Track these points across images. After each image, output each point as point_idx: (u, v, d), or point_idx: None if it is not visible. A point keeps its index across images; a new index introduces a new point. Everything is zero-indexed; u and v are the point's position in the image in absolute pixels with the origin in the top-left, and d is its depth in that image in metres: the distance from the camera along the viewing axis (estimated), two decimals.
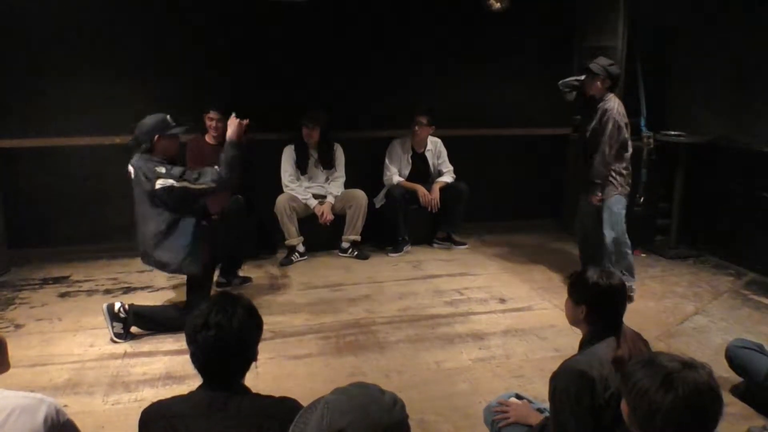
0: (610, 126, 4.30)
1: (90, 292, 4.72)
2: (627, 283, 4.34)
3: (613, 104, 4.36)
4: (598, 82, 4.39)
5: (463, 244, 5.85)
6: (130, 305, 3.93)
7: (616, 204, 4.45)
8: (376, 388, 1.30)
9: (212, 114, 5.08)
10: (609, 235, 4.46)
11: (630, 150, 4.45)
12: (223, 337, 1.73)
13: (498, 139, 6.30)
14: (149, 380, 3.42)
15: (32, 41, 5.15)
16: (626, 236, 4.49)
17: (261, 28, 5.53)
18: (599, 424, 2.03)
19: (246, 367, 1.82)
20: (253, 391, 1.84)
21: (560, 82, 4.67)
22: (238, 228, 5.08)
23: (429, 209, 5.63)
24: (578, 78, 4.56)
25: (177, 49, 5.39)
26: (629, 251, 4.53)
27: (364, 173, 5.78)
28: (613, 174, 4.42)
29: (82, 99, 5.33)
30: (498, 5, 5.70)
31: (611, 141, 4.32)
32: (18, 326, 4.12)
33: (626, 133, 4.39)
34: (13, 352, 1.96)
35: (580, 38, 6.10)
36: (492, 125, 6.23)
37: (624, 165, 4.44)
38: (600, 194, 4.46)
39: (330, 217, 5.39)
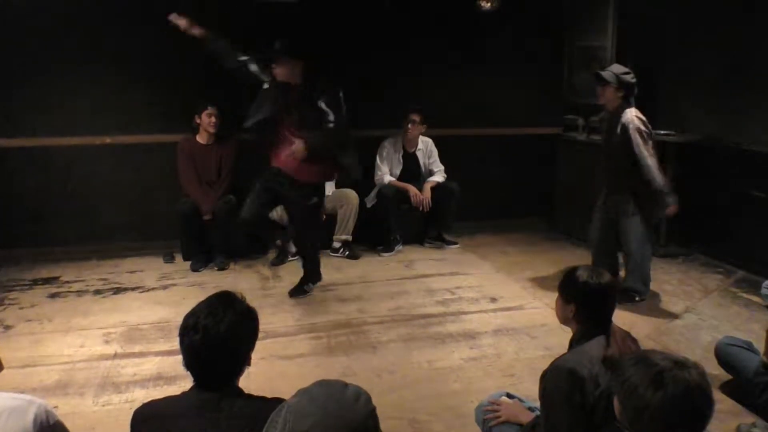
0: (637, 137, 4.09)
1: (80, 293, 4.69)
2: (637, 295, 4.42)
3: (630, 116, 4.14)
4: (610, 92, 4.16)
5: (455, 243, 5.86)
6: None
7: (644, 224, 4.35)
8: (339, 384, 1.28)
9: (210, 109, 5.10)
10: (633, 247, 4.40)
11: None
12: (209, 342, 1.71)
13: (489, 139, 6.31)
14: (140, 381, 3.40)
15: (21, 41, 5.12)
16: (649, 249, 4.46)
17: (254, 29, 5.51)
18: (590, 423, 2.04)
19: (237, 371, 1.80)
20: (245, 391, 1.83)
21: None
22: (230, 228, 5.10)
23: (420, 209, 5.63)
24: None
25: (168, 50, 5.36)
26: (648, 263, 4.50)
27: None
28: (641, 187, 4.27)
29: (72, 99, 5.30)
30: (488, 5, 5.72)
31: (648, 149, 4.12)
32: (7, 327, 4.09)
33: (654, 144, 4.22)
34: (3, 353, 1.95)
35: (570, 38, 6.13)
36: (483, 125, 6.24)
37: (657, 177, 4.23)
38: (674, 204, 4.26)
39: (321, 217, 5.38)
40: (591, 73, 4.39)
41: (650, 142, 4.17)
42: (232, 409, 1.71)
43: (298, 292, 4.58)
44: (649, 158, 4.13)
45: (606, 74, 4.18)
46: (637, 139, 4.11)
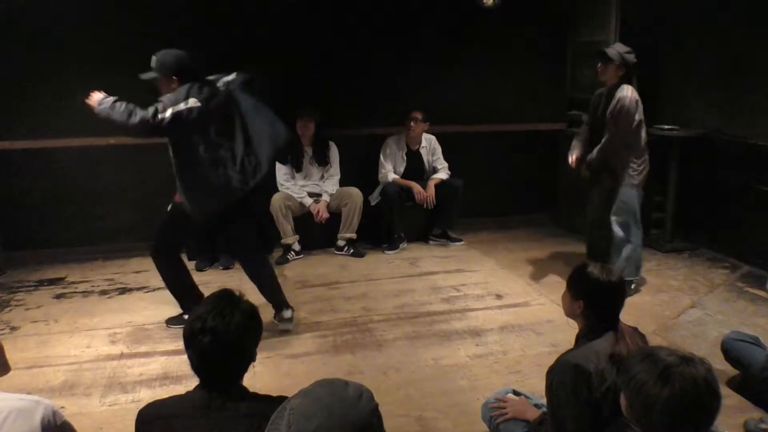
0: (623, 114, 4.19)
1: (86, 294, 4.71)
2: (627, 278, 4.34)
3: (627, 93, 4.22)
4: (612, 69, 4.25)
5: (459, 240, 5.85)
6: None
7: (624, 195, 4.37)
8: (340, 383, 1.27)
9: None
10: (614, 222, 4.43)
11: (642, 142, 4.33)
12: (220, 343, 1.71)
13: (492, 135, 6.30)
14: (146, 381, 3.41)
15: (23, 41, 5.12)
16: (633, 228, 4.41)
17: (256, 27, 5.52)
18: (597, 418, 2.04)
19: (244, 369, 1.81)
20: (251, 390, 1.83)
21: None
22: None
23: (424, 206, 5.63)
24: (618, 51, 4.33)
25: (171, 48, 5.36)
26: (634, 244, 4.45)
27: (359, 171, 5.77)
28: (623, 165, 4.33)
29: (76, 100, 5.28)
30: (490, 1, 5.70)
31: (619, 128, 4.22)
32: (14, 328, 4.11)
33: (639, 123, 4.27)
34: (9, 354, 1.95)
35: (572, 33, 6.12)
36: (486, 121, 6.23)
37: (634, 156, 4.33)
38: (592, 174, 4.42)
39: (325, 215, 5.38)
40: (596, 52, 4.43)
41: (635, 125, 4.24)
42: (238, 409, 1.71)
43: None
44: (614, 136, 4.25)
45: (611, 52, 4.25)
46: (620, 113, 4.20)
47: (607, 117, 4.30)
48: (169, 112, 3.42)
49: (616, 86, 4.28)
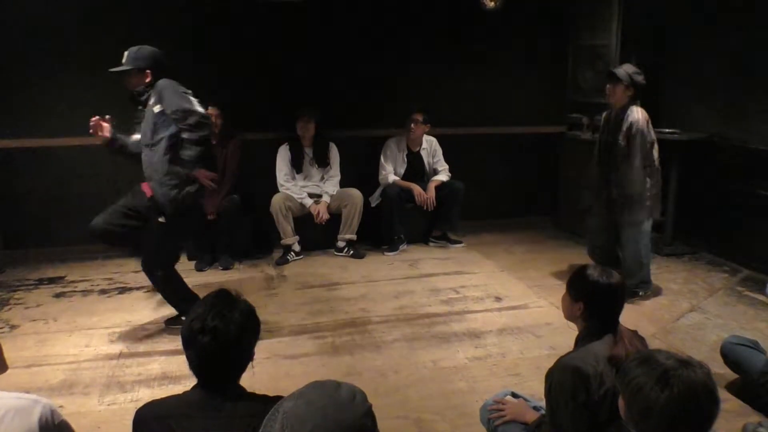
0: (638, 139, 4.18)
1: (85, 293, 4.71)
2: (635, 289, 4.41)
3: (638, 116, 4.21)
4: (620, 90, 4.24)
5: (459, 242, 5.85)
6: None
7: (632, 212, 4.35)
8: (332, 384, 1.27)
9: (211, 110, 5.09)
10: (629, 251, 4.44)
11: (655, 162, 4.29)
12: (220, 343, 1.71)
13: (493, 138, 6.30)
14: (145, 380, 3.41)
15: (23, 40, 5.13)
16: (641, 244, 4.42)
17: (257, 28, 5.52)
18: (595, 421, 2.04)
19: (242, 369, 1.81)
20: (249, 390, 1.83)
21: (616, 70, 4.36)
22: (235, 227, 5.12)
23: (424, 208, 5.63)
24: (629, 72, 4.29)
25: (171, 48, 5.35)
26: (644, 264, 4.49)
27: (360, 172, 5.78)
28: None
29: (76, 98, 5.30)
30: (492, 4, 5.71)
31: (633, 152, 4.21)
32: (13, 327, 4.11)
33: (652, 144, 4.26)
34: (8, 353, 1.95)
35: (573, 36, 6.12)
36: (487, 124, 6.23)
37: (646, 175, 4.30)
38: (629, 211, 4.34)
39: (326, 216, 5.38)
40: (603, 71, 4.43)
41: (648, 146, 4.23)
42: (236, 409, 1.72)
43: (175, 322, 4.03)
44: (636, 160, 4.22)
45: (620, 72, 4.25)
46: (635, 138, 4.20)
47: (620, 142, 4.27)
48: (195, 103, 3.70)
49: (625, 108, 4.28)
